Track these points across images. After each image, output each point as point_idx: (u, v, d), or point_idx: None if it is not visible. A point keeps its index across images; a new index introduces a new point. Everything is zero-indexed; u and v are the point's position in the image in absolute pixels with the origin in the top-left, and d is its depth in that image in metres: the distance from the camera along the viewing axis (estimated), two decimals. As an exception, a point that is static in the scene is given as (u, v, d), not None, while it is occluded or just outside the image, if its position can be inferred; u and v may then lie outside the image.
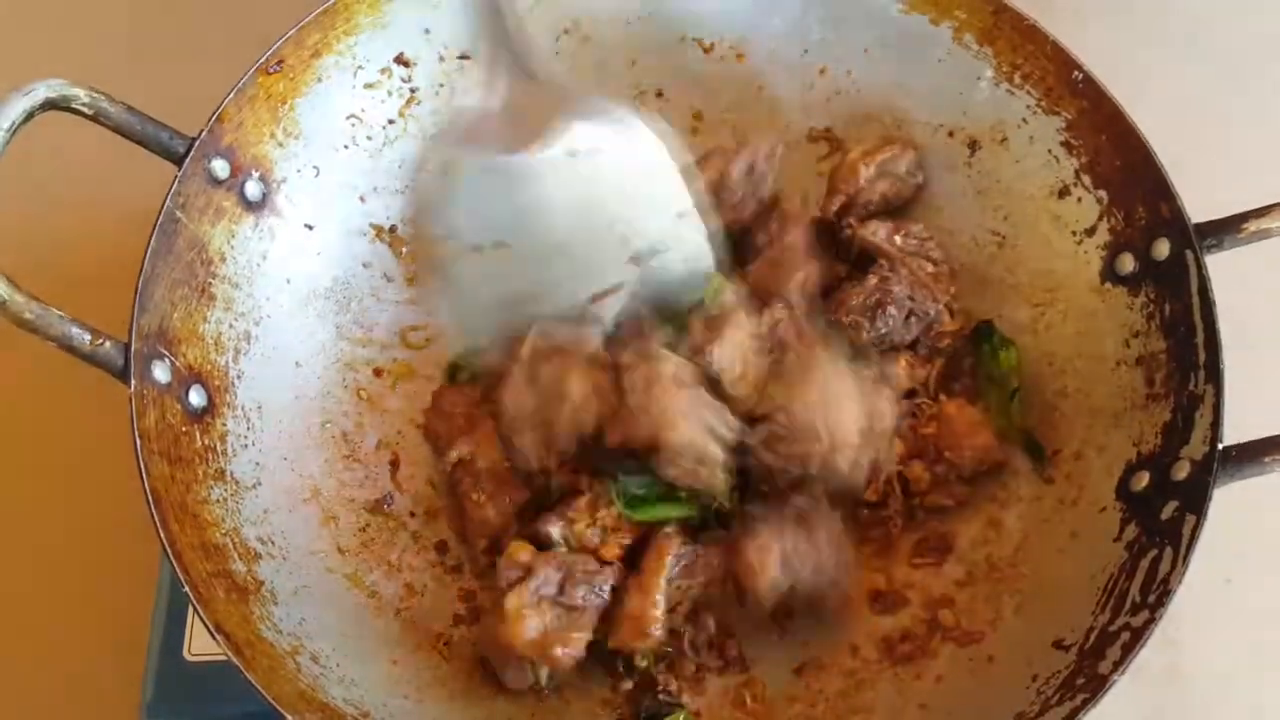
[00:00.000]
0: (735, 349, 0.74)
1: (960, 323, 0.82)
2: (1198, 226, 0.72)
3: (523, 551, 0.72)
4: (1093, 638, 0.67)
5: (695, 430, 0.71)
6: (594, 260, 0.74)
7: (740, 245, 0.82)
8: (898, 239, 0.82)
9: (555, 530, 0.73)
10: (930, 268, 0.81)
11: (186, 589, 0.64)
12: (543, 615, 0.70)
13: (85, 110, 0.69)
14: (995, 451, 0.77)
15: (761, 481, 0.75)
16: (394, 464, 0.81)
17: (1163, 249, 0.73)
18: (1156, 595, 0.65)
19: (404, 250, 0.85)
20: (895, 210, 0.85)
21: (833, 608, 0.74)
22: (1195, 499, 0.66)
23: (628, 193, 0.73)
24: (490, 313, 0.76)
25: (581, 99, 0.72)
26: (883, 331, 0.79)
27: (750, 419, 0.74)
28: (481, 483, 0.76)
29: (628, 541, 0.74)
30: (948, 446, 0.76)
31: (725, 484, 0.73)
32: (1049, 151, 0.80)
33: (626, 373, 0.73)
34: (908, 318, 0.79)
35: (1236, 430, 0.67)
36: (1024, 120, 0.81)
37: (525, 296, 0.75)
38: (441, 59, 0.85)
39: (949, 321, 0.81)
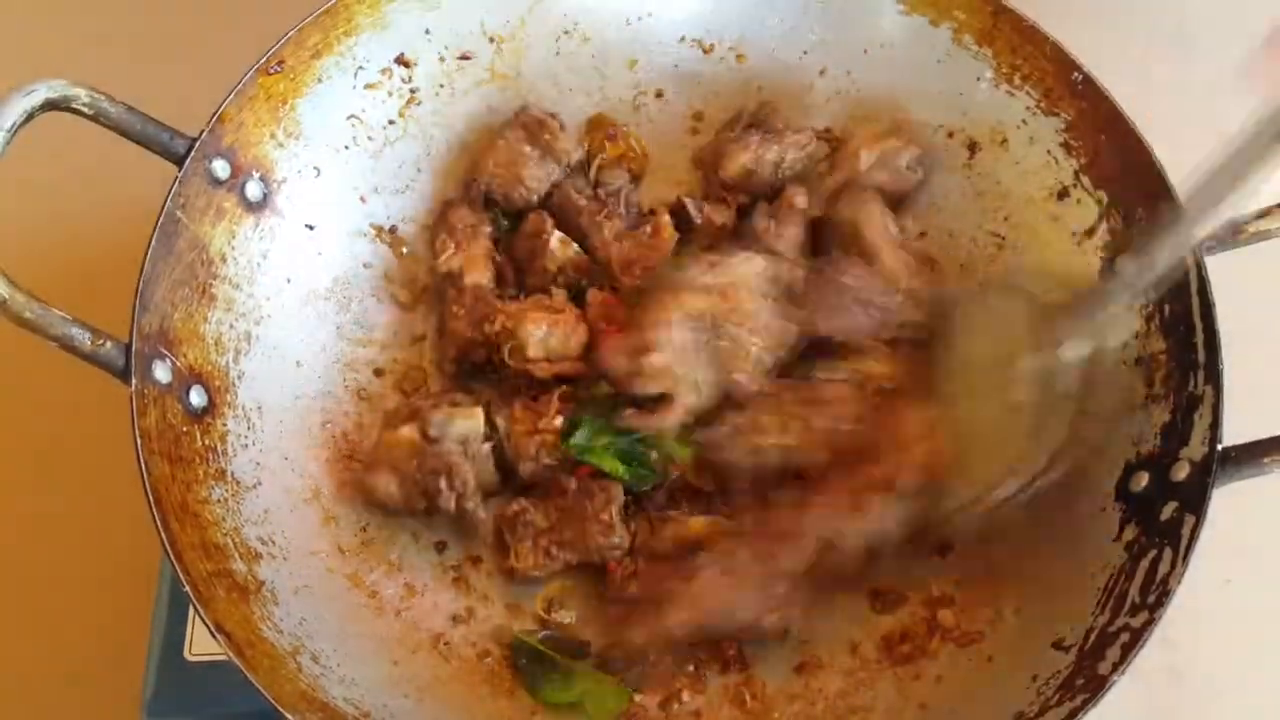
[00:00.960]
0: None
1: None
2: (1197, 227, 0.72)
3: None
4: (1092, 638, 0.67)
5: (675, 362, 0.73)
6: None
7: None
8: None
9: (500, 420, 0.77)
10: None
11: (187, 589, 0.64)
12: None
13: (86, 110, 0.69)
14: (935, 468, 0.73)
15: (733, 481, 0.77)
16: (394, 464, 0.81)
17: (1162, 249, 0.73)
18: (1156, 596, 0.66)
19: (404, 251, 0.85)
20: (894, 205, 0.85)
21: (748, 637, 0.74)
22: (1194, 500, 0.66)
23: None
24: None
25: None
26: (841, 323, 0.78)
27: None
28: (463, 298, 0.80)
29: (551, 463, 0.77)
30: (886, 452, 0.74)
31: (680, 449, 0.76)
32: (1048, 152, 0.80)
33: (643, 295, 0.76)
34: (866, 308, 0.78)
35: (1236, 431, 0.67)
36: (1023, 121, 0.81)
37: None
38: (442, 59, 0.85)
39: (911, 310, 0.79)
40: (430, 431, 0.75)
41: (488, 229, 0.83)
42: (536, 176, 0.83)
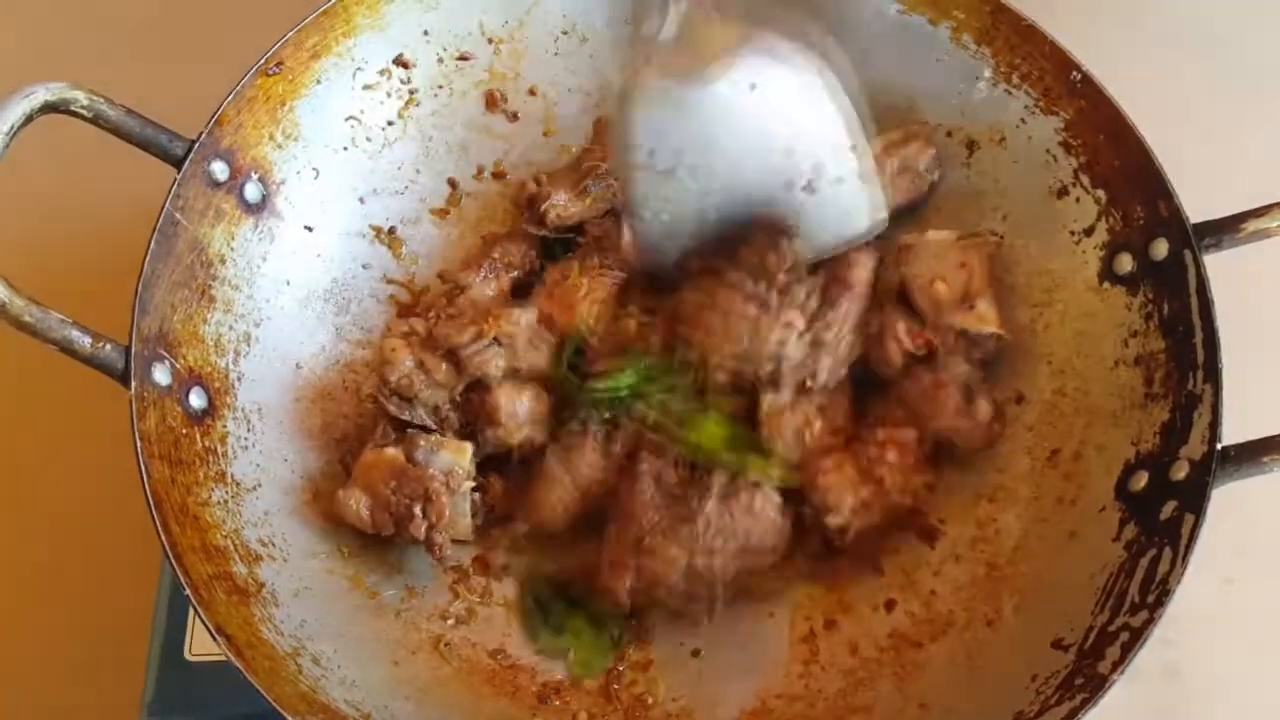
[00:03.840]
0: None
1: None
2: (1196, 226, 0.72)
3: None
4: (1092, 637, 0.67)
5: None
6: (762, 186, 0.75)
7: None
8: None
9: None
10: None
11: (187, 591, 0.64)
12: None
13: (84, 113, 0.69)
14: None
15: None
16: (394, 465, 0.81)
17: (1161, 249, 0.73)
18: (1155, 595, 0.66)
19: (403, 252, 0.85)
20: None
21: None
22: (1194, 499, 0.67)
23: (797, 125, 0.75)
24: (669, 232, 0.77)
25: (758, 33, 0.74)
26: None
27: None
28: None
29: None
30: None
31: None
32: (1047, 151, 0.80)
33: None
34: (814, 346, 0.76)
35: (1235, 430, 0.67)
36: (1022, 120, 0.81)
37: (699, 218, 0.77)
38: (440, 60, 0.85)
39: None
40: (416, 455, 0.74)
41: None
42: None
